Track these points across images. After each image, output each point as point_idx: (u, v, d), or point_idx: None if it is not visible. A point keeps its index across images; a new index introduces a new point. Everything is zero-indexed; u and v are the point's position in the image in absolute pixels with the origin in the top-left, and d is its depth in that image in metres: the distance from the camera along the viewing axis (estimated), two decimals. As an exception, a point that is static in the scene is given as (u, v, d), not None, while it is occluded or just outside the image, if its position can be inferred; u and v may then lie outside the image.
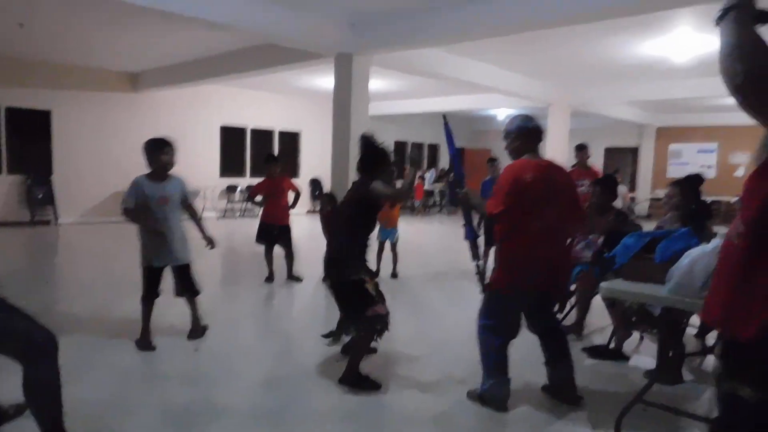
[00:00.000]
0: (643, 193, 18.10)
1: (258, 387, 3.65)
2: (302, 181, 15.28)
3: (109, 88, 12.49)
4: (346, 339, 4.19)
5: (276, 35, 7.47)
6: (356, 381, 3.66)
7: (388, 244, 7.25)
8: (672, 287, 2.81)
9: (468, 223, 3.62)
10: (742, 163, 16.25)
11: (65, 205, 11.82)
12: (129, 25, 8.29)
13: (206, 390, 3.54)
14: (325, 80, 11.88)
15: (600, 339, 4.72)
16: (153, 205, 4.21)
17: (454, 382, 3.74)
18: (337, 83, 8.42)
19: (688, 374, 3.93)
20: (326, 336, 4.46)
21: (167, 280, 4.46)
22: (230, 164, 14.76)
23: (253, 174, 14.65)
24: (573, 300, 4.94)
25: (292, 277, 6.85)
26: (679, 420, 3.21)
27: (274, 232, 6.76)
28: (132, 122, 12.44)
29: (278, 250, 6.81)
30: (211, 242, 4.69)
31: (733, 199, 13.15)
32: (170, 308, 4.67)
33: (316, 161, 15.44)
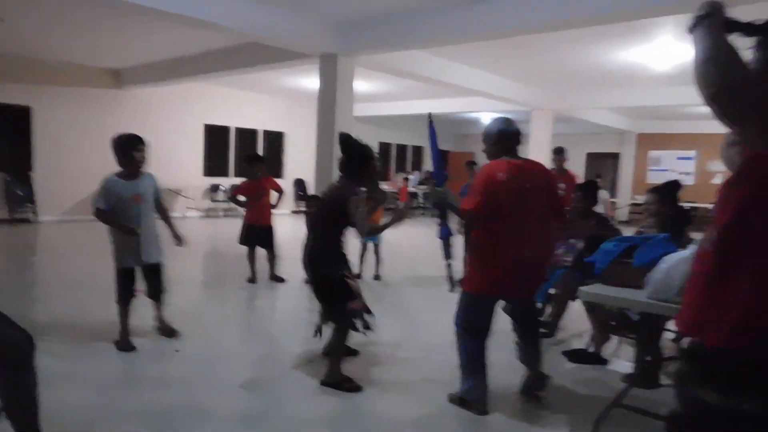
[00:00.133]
0: (623, 198, 18.32)
1: (240, 390, 3.63)
2: (287, 182, 15.24)
3: (92, 85, 12.35)
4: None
5: (261, 34, 7.44)
6: (337, 383, 3.67)
7: (371, 246, 7.27)
8: (650, 292, 2.86)
9: (443, 222, 3.65)
10: (720, 171, 16.51)
11: (45, 203, 11.65)
12: (113, 21, 8.21)
13: (187, 393, 3.52)
14: (310, 81, 11.86)
15: (579, 343, 4.77)
16: (127, 204, 4.14)
17: (436, 385, 3.76)
18: (322, 84, 8.42)
19: (665, 378, 3.99)
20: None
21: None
22: (214, 163, 14.67)
23: (237, 174, 14.58)
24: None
25: (275, 278, 6.83)
26: (656, 424, 3.26)
27: (258, 233, 6.74)
28: (115, 119, 12.27)
29: (261, 251, 6.79)
30: (180, 240, 4.61)
31: (711, 206, 13.32)
32: (149, 309, 4.63)
33: (300, 162, 15.41)
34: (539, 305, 4.96)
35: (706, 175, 16.81)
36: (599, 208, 11.03)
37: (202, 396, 3.48)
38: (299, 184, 15.70)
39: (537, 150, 12.06)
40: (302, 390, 3.67)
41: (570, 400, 3.66)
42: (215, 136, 14.64)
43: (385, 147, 19.20)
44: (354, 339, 4.41)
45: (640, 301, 2.91)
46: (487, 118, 17.16)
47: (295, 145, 15.99)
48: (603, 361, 4.38)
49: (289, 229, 9.80)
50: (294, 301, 6.25)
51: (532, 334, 3.61)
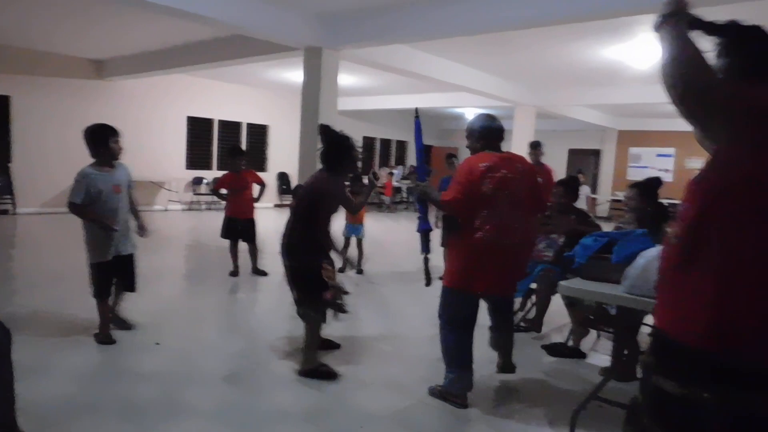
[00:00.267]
0: (604, 194, 18.52)
1: (219, 383, 3.63)
2: (270, 175, 15.17)
3: (73, 75, 12.15)
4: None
5: (245, 27, 7.39)
6: (314, 369, 3.73)
7: (354, 240, 7.28)
8: (627, 287, 2.91)
9: (423, 217, 3.67)
10: (698, 168, 16.72)
11: (24, 195, 11.48)
12: (95, 11, 8.10)
13: (166, 386, 3.51)
14: (294, 74, 11.81)
15: (559, 337, 4.84)
16: (107, 195, 4.09)
17: (417, 379, 3.79)
18: (306, 77, 8.39)
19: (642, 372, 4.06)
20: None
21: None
22: (197, 156, 14.55)
23: (221, 167, 14.47)
24: (534, 298, 5.05)
25: (257, 271, 6.82)
26: (631, 415, 3.32)
27: (239, 226, 6.71)
28: (97, 111, 12.08)
29: (244, 245, 6.77)
30: (144, 230, 4.56)
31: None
32: (129, 302, 4.60)
33: (284, 155, 15.35)
34: (519, 299, 5.03)
35: (684, 173, 17.04)
36: (581, 204, 11.17)
37: (182, 389, 3.48)
38: (283, 178, 15.65)
39: (519, 146, 12.12)
40: (282, 383, 3.68)
41: (549, 393, 3.71)
42: (198, 128, 14.51)
43: (369, 141, 19.20)
44: (335, 332, 4.45)
45: (618, 296, 2.96)
46: (470, 113, 17.22)
47: (279, 139, 15.92)
48: (581, 355, 4.45)
49: (272, 222, 9.77)
50: (276, 295, 6.24)
51: (506, 327, 3.67)
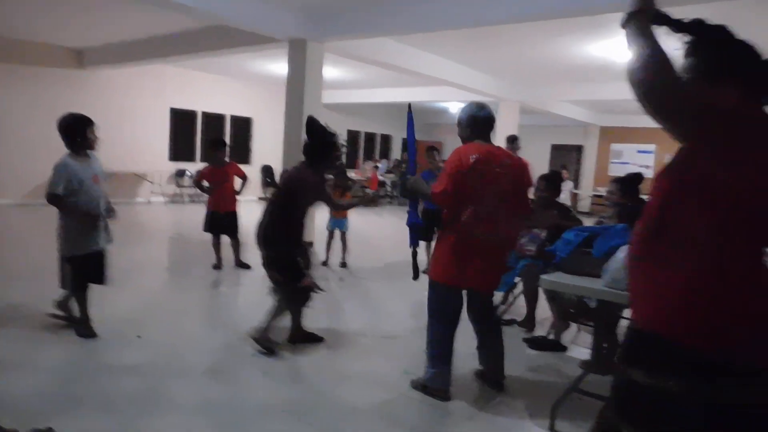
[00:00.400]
0: (585, 189, 18.69)
1: (202, 377, 3.62)
2: (254, 168, 15.07)
3: (54, 64, 11.95)
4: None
5: (229, 17, 7.33)
6: (264, 340, 3.98)
7: (337, 234, 7.28)
8: (607, 281, 2.95)
9: (412, 210, 3.68)
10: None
11: (4, 186, 11.30)
12: (75, -1, 7.99)
13: (149, 380, 3.49)
14: (278, 66, 11.74)
15: (540, 330, 4.89)
16: (89, 186, 4.03)
17: (399, 373, 3.81)
18: (290, 69, 8.36)
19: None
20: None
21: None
22: (180, 148, 14.40)
23: (204, 159, 14.36)
24: (515, 292, 5.09)
25: (241, 264, 6.79)
26: (610, 407, 3.38)
27: (221, 220, 6.66)
28: (77, 100, 11.89)
29: (227, 238, 6.73)
30: (112, 212, 4.41)
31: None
32: (108, 295, 4.57)
33: (268, 148, 15.26)
34: (501, 293, 5.06)
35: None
36: (565, 200, 11.25)
37: (164, 383, 3.47)
38: (266, 171, 15.56)
39: (502, 141, 12.11)
40: (265, 377, 3.68)
41: (529, 385, 3.76)
42: (181, 120, 14.37)
43: (353, 135, 19.16)
44: (319, 326, 4.46)
45: (598, 290, 3.00)
46: (455, 108, 17.26)
47: (263, 131, 15.82)
48: (562, 348, 4.50)
49: (256, 215, 9.71)
50: (259, 288, 6.21)
51: (487, 323, 3.65)
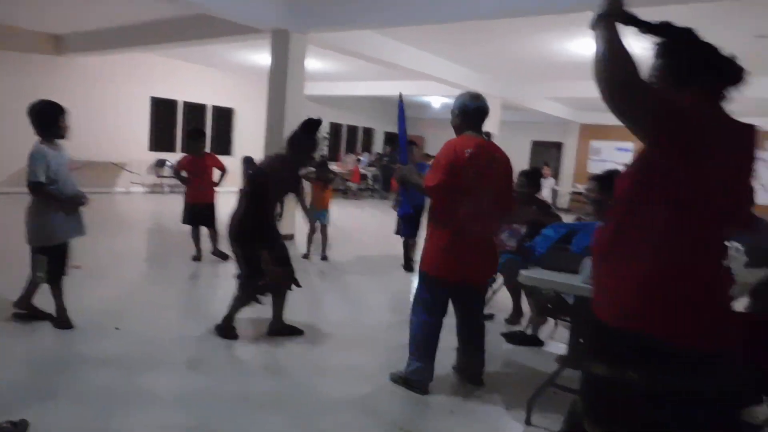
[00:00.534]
0: (565, 186, 18.88)
1: (181, 369, 3.60)
2: (235, 159, 14.95)
3: (29, 49, 11.69)
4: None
5: (212, 6, 7.25)
6: (225, 328, 4.08)
7: (318, 226, 7.27)
8: (584, 277, 2.99)
9: (404, 200, 3.67)
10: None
11: (-24, 174, 11.08)
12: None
13: (126, 372, 3.46)
14: (261, 56, 11.65)
15: (518, 326, 4.95)
16: (66, 174, 3.96)
17: (379, 366, 3.82)
18: (273, 60, 8.30)
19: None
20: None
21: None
22: (160, 138, 14.23)
23: (185, 149, 14.21)
24: (494, 286, 5.14)
25: (218, 254, 6.74)
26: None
27: (199, 211, 6.59)
28: (54, 88, 11.65)
29: (206, 228, 6.68)
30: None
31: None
32: (86, 287, 4.51)
33: (249, 139, 15.14)
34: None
35: (642, 167, 17.50)
36: (547, 197, 11.31)
37: (141, 375, 3.44)
38: (248, 162, 15.44)
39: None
40: (245, 369, 3.68)
41: (507, 379, 3.80)
42: (162, 109, 14.19)
43: (336, 127, 19.11)
44: (299, 318, 4.46)
45: (575, 285, 3.04)
46: (437, 102, 17.30)
47: (245, 122, 15.70)
48: (539, 343, 4.56)
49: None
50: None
51: (475, 322, 3.66)
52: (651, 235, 1.52)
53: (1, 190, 11.22)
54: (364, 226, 11.53)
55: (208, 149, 6.87)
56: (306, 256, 7.25)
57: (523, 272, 3.27)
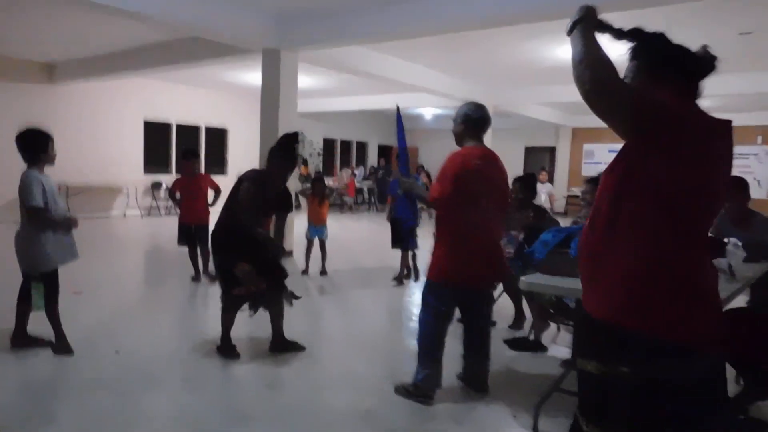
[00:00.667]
0: (559, 190, 18.92)
1: (183, 389, 3.59)
2: (230, 179, 14.96)
3: (23, 79, 11.74)
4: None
5: (201, 28, 7.30)
6: (222, 347, 4.06)
7: (317, 242, 7.27)
8: (585, 280, 2.99)
9: (410, 213, 3.65)
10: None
11: (-30, 203, 11.04)
12: (46, 11, 7.87)
13: (128, 395, 3.44)
14: (252, 75, 11.70)
15: (521, 331, 4.94)
16: (55, 198, 3.96)
17: (381, 377, 3.81)
18: (264, 79, 8.34)
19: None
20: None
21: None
22: (154, 160, 14.24)
23: (179, 171, 14.23)
24: (495, 293, 5.13)
25: (209, 274, 6.60)
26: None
27: (193, 232, 6.52)
28: (48, 115, 11.68)
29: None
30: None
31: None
32: (83, 310, 4.49)
33: (243, 158, 15.15)
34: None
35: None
36: (545, 202, 11.30)
37: (143, 396, 3.42)
38: (242, 181, 15.46)
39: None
40: (245, 387, 3.66)
41: (511, 386, 3.79)
42: (156, 132, 14.21)
43: (330, 143, 19.16)
44: (300, 331, 4.44)
45: (576, 289, 3.03)
46: (429, 113, 17.37)
47: (238, 142, 15.73)
48: (542, 348, 4.55)
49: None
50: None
51: (481, 329, 3.66)
52: (635, 230, 1.56)
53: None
54: (361, 239, 11.52)
55: (202, 169, 6.83)
56: (305, 272, 7.24)
57: (524, 278, 3.28)
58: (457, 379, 3.71)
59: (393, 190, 7.04)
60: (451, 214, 3.32)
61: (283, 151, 4.08)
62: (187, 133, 14.86)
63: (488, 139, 10.07)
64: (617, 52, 1.63)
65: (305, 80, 11.96)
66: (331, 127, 18.61)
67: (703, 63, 1.66)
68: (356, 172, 18.17)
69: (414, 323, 5.09)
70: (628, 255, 1.56)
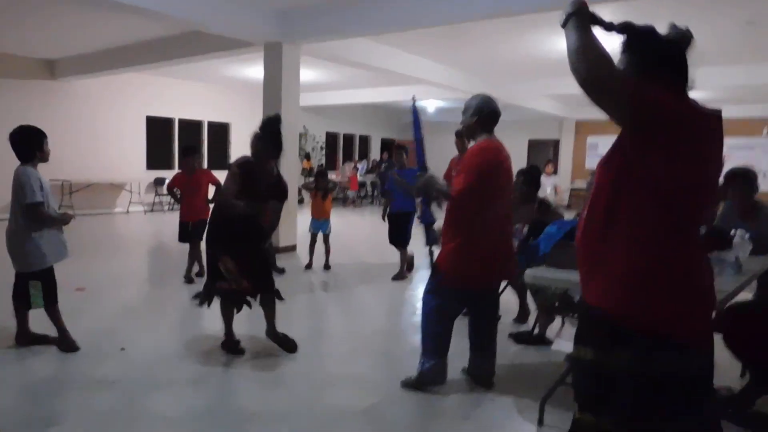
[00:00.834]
0: (564, 183, 18.87)
1: (187, 387, 3.57)
2: (231, 174, 14.95)
3: (24, 76, 11.74)
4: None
5: (202, 22, 7.27)
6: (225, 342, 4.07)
7: (320, 237, 7.25)
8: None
9: (426, 208, 3.58)
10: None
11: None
12: (46, 8, 7.84)
13: (133, 393, 3.43)
14: (254, 70, 11.67)
15: (525, 325, 4.92)
16: (49, 195, 3.97)
17: (385, 375, 3.80)
18: (266, 73, 8.32)
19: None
20: (195, 297, 4.34)
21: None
22: (157, 156, 14.24)
23: (180, 167, 14.22)
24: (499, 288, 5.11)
25: (189, 276, 6.50)
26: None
27: (193, 229, 6.40)
28: (50, 112, 11.73)
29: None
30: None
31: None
32: (86, 308, 4.49)
33: (246, 153, 15.13)
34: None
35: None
36: (549, 195, 11.27)
37: (148, 395, 3.41)
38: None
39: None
40: (250, 384, 3.65)
41: (517, 380, 3.77)
42: (158, 128, 14.21)
43: (332, 137, 19.12)
44: (304, 328, 4.43)
45: (581, 282, 3.02)
46: (432, 107, 17.31)
47: (241, 137, 15.69)
48: (548, 342, 4.53)
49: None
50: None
51: (489, 324, 3.64)
52: (635, 226, 1.57)
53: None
54: (364, 234, 11.50)
55: (205, 165, 6.78)
56: (309, 267, 7.24)
57: (529, 271, 3.25)
58: (463, 374, 3.69)
59: (390, 185, 7.01)
60: (475, 208, 3.27)
61: (265, 134, 4.00)
62: (190, 128, 14.85)
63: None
64: (610, 45, 1.63)
65: (307, 74, 11.92)
66: (333, 121, 18.57)
67: (684, 44, 1.68)
68: (359, 166, 18.14)
69: (418, 318, 5.08)
70: (628, 250, 1.57)
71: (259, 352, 4.16)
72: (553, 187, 12.36)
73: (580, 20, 1.59)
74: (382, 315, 5.48)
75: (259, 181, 3.92)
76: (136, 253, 8.86)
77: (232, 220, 3.86)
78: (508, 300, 5.11)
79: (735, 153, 14.73)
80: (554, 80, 12.22)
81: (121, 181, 13.19)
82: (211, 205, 6.54)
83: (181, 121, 14.68)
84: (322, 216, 7.19)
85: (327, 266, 7.26)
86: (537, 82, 12.80)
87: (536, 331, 4.62)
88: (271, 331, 4.16)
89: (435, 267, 3.46)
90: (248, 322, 4.40)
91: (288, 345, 4.16)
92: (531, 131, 19.73)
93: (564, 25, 1.63)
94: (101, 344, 4.23)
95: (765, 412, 3.21)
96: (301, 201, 11.86)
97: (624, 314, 1.57)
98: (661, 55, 1.66)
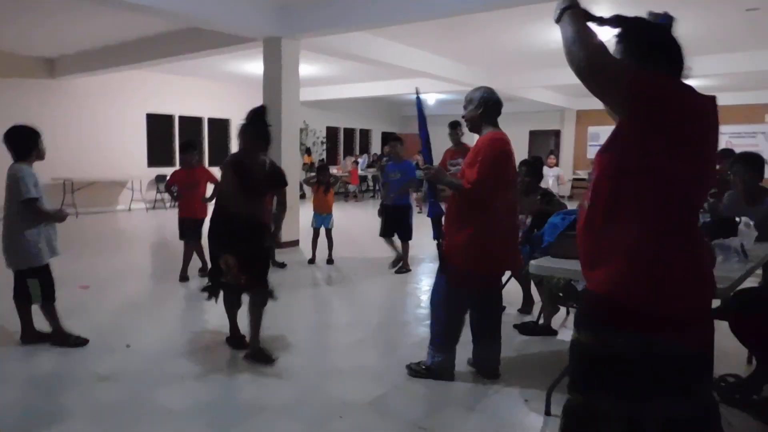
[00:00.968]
0: (565, 173, 18.82)
1: (194, 381, 3.58)
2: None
3: (23, 74, 11.72)
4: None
5: (201, 18, 7.25)
6: (234, 339, 4.07)
7: (323, 231, 7.26)
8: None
9: (434, 201, 3.54)
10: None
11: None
12: (44, 6, 7.82)
13: (141, 387, 3.44)
14: (254, 65, 11.64)
15: (530, 315, 4.92)
16: (43, 192, 3.97)
17: (391, 366, 3.80)
18: (266, 68, 8.29)
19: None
20: (204, 290, 4.24)
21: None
22: (158, 153, 14.23)
23: (180, 163, 14.22)
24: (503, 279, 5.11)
25: (183, 276, 6.42)
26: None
27: (192, 227, 6.30)
28: (49, 111, 11.70)
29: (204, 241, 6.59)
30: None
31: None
32: (91, 305, 4.50)
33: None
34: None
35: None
36: (553, 186, 11.24)
37: (156, 389, 3.42)
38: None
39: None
40: (258, 378, 3.65)
41: (523, 371, 3.77)
42: (158, 125, 14.19)
43: (333, 131, 19.10)
44: (308, 322, 4.43)
45: (586, 272, 3.01)
46: (432, 99, 17.27)
47: (241, 132, 15.67)
48: (552, 332, 4.53)
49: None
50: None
51: (494, 315, 3.65)
52: (638, 209, 1.58)
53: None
54: (366, 228, 11.49)
55: (206, 161, 6.74)
56: (312, 261, 7.24)
57: (533, 262, 3.25)
58: (468, 366, 3.70)
59: (387, 178, 7.00)
60: (488, 199, 3.27)
61: (252, 126, 3.93)
62: (190, 125, 14.83)
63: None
64: (604, 37, 1.65)
65: (307, 68, 11.89)
66: (334, 115, 18.54)
67: (668, 30, 1.70)
68: (360, 160, 18.11)
69: (422, 310, 5.09)
70: (632, 232, 1.58)
71: (266, 345, 4.15)
72: (556, 177, 12.34)
73: (576, 13, 1.62)
74: (386, 307, 5.48)
75: (251, 173, 3.84)
76: (139, 250, 8.87)
77: (234, 218, 3.81)
78: (513, 291, 5.11)
79: (736, 140, 14.72)
80: (555, 71, 12.18)
81: (122, 178, 13.18)
82: (209, 204, 6.53)
83: (182, 118, 14.65)
84: (325, 210, 7.19)
85: (330, 260, 7.26)
86: (538, 73, 12.76)
87: (541, 321, 4.62)
88: (253, 346, 3.90)
89: (445, 259, 3.44)
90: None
91: (265, 359, 3.86)
92: (532, 122, 19.67)
93: (558, 20, 1.66)
94: (108, 340, 4.24)
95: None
96: (302, 196, 11.85)
97: (624, 296, 1.58)
98: (655, 43, 1.68)
